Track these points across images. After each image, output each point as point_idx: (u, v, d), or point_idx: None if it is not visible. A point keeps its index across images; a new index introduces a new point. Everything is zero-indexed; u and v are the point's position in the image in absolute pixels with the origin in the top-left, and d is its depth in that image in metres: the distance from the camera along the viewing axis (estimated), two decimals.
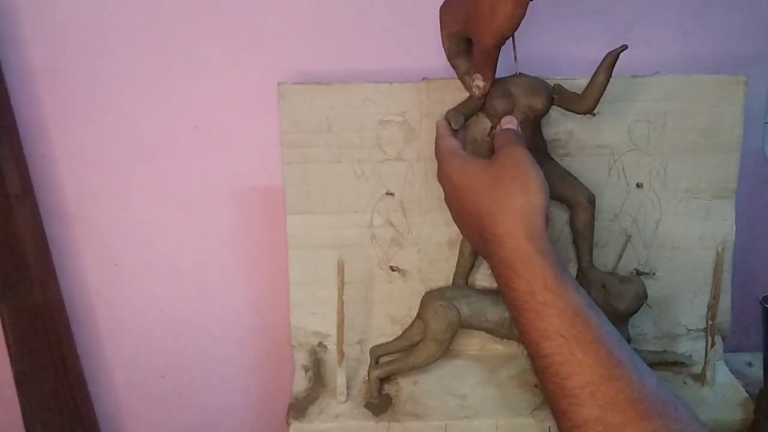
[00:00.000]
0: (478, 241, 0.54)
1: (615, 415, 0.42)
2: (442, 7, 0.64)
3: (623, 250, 0.72)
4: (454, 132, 0.63)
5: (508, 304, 0.50)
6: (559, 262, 0.49)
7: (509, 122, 0.62)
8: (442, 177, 0.59)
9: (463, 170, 0.56)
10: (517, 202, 0.51)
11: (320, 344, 0.74)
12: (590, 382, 0.44)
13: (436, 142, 0.62)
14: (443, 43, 0.65)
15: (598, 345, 0.45)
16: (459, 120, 0.65)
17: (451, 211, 0.60)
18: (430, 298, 0.70)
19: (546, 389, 0.46)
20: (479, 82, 0.62)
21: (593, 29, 0.74)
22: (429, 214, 0.72)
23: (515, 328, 0.67)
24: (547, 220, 0.52)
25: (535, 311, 0.47)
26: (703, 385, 0.71)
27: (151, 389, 0.85)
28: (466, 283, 0.72)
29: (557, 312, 0.46)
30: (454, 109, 0.66)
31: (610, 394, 0.43)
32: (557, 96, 0.66)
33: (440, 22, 0.64)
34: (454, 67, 0.66)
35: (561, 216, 0.71)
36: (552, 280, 0.47)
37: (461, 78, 0.65)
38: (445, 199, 0.60)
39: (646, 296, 0.68)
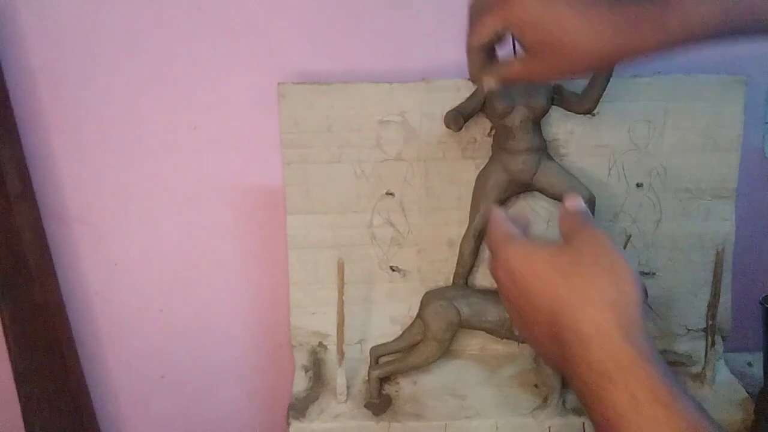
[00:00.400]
0: (549, 344, 0.43)
1: None
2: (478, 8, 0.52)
3: (623, 250, 0.72)
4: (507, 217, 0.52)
5: (595, 420, 0.40)
6: (667, 367, 0.39)
7: (576, 202, 0.50)
8: (498, 267, 0.47)
9: (527, 256, 0.45)
10: (606, 292, 0.41)
11: (320, 344, 0.74)
12: None
13: (488, 229, 0.51)
14: (471, 55, 0.53)
15: None
16: (459, 122, 0.65)
17: (508, 308, 0.48)
18: (430, 298, 0.70)
19: None
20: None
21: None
22: (429, 214, 0.72)
23: (515, 328, 0.67)
24: (644, 316, 0.42)
25: (639, 430, 0.38)
26: (703, 385, 0.71)
27: (151, 389, 0.85)
28: (466, 283, 0.72)
29: (671, 430, 0.38)
30: (453, 110, 0.66)
31: None
32: (557, 96, 0.66)
33: (474, 27, 0.52)
34: (477, 82, 0.54)
35: None
36: (664, 391, 0.38)
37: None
38: (500, 292, 0.49)
39: (646, 296, 0.68)
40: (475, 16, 0.51)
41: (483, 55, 0.52)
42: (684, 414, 0.38)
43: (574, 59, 0.47)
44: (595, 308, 0.40)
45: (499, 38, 0.51)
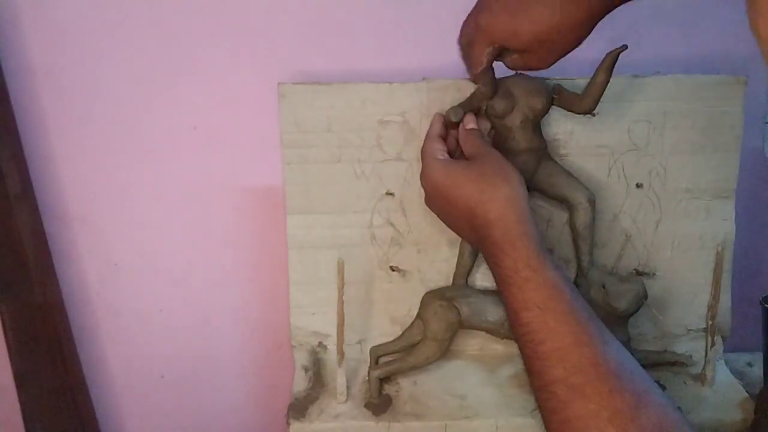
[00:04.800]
0: (467, 231, 0.60)
1: (578, 377, 0.48)
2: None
3: (623, 250, 0.72)
4: (444, 134, 0.66)
5: (496, 279, 0.56)
6: (541, 244, 0.55)
7: (471, 122, 0.65)
8: (424, 178, 0.63)
9: (446, 171, 0.61)
10: (504, 191, 0.57)
11: (320, 344, 0.74)
12: (559, 348, 0.50)
13: (424, 141, 0.66)
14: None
15: (569, 316, 0.51)
16: (458, 113, 0.65)
17: (434, 210, 0.65)
18: (430, 298, 0.70)
19: (523, 354, 0.53)
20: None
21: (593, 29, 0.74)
22: (429, 214, 0.71)
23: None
24: (529, 207, 0.58)
25: (517, 286, 0.53)
26: (703, 385, 0.71)
27: (151, 389, 0.85)
28: (466, 283, 0.72)
29: (536, 287, 0.53)
30: (455, 105, 0.66)
31: (575, 359, 0.49)
32: (557, 96, 0.66)
33: (471, 59, 0.62)
34: (481, 81, 0.64)
35: (561, 216, 0.71)
36: (534, 259, 0.54)
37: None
38: (426, 199, 0.65)
39: (646, 296, 0.68)
40: (467, 49, 0.63)
41: (491, 74, 0.64)
42: (544, 274, 0.53)
43: (555, 38, 0.58)
44: (497, 203, 0.57)
45: (494, 56, 0.62)
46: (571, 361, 0.49)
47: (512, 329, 0.54)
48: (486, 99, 0.65)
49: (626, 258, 0.73)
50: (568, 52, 0.60)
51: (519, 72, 0.66)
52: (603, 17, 0.58)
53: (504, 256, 0.55)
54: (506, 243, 0.55)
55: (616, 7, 0.58)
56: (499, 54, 0.62)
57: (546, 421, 0.50)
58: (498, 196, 0.57)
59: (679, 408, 0.48)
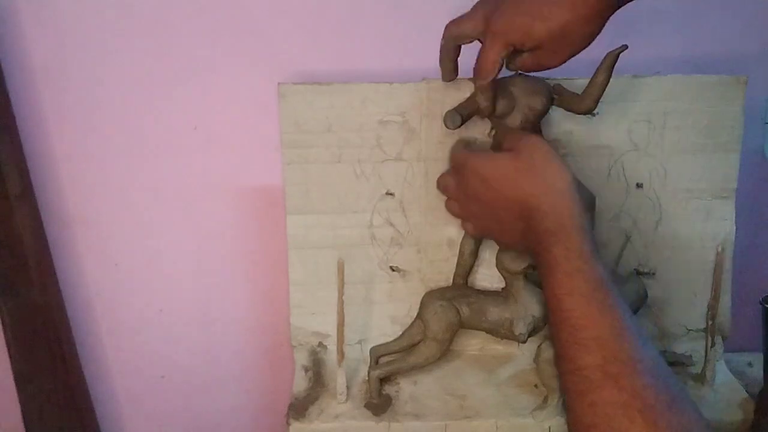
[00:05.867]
0: (515, 221, 0.61)
1: (614, 366, 0.50)
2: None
3: (623, 250, 0.72)
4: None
5: (542, 264, 0.57)
6: (593, 239, 0.57)
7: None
8: (468, 177, 0.64)
9: (493, 163, 0.62)
10: (557, 185, 0.59)
11: (320, 344, 0.74)
12: (600, 336, 0.51)
13: (451, 153, 0.68)
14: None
15: (613, 310, 0.52)
16: (455, 120, 0.64)
17: (476, 208, 0.64)
18: (430, 298, 0.70)
19: (558, 338, 0.54)
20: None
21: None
22: (429, 214, 0.72)
23: (515, 328, 0.68)
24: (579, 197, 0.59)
25: (566, 273, 0.55)
26: (703, 385, 0.71)
27: (151, 389, 0.85)
28: (466, 283, 0.72)
29: (585, 277, 0.54)
30: (452, 109, 0.66)
31: (615, 349, 0.50)
32: (557, 96, 0.66)
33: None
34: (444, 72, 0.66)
35: None
36: (587, 253, 0.55)
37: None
38: (467, 196, 0.65)
39: (646, 296, 0.68)
40: (445, 51, 0.64)
41: (494, 87, 0.63)
42: (593, 268, 0.55)
43: (566, 33, 0.58)
44: (551, 195, 0.58)
45: (504, 60, 0.61)
46: (609, 351, 0.50)
47: (551, 313, 0.55)
48: (484, 114, 0.65)
49: (626, 258, 0.73)
50: (579, 51, 0.60)
51: (519, 72, 0.66)
52: (611, 14, 0.59)
53: (556, 243, 0.56)
54: (560, 232, 0.56)
55: (622, 5, 0.59)
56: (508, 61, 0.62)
57: (572, 402, 0.51)
58: (551, 191, 0.58)
59: (708, 425, 0.49)
